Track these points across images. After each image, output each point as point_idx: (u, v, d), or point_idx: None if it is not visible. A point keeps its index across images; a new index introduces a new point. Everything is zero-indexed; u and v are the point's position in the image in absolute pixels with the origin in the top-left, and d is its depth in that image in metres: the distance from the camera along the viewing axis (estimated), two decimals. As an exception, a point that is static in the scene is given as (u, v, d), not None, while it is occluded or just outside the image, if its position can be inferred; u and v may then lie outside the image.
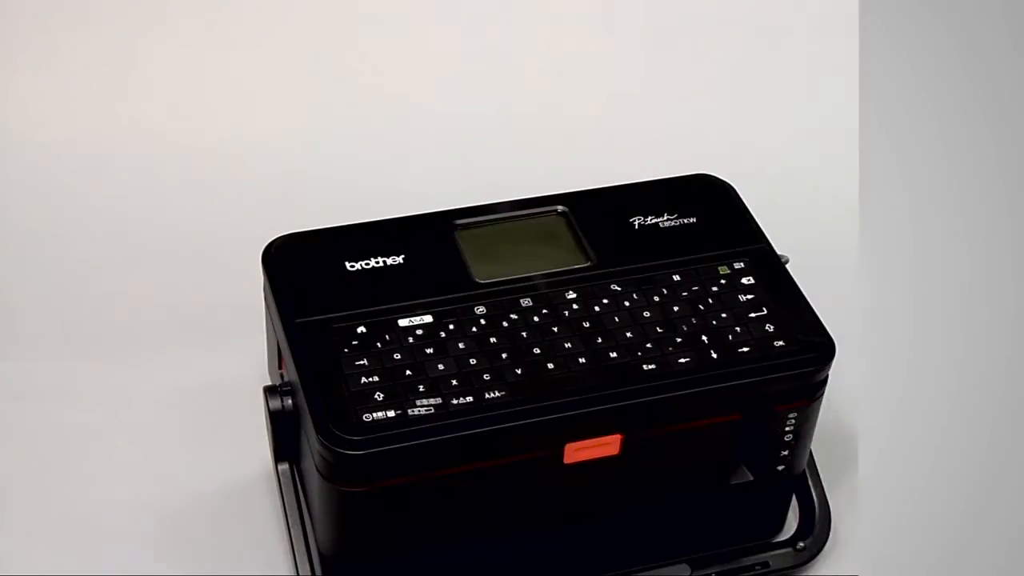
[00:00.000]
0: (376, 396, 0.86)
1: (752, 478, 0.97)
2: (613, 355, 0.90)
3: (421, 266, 0.95)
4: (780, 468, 0.97)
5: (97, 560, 1.00)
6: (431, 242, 0.97)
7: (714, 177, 1.05)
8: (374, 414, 0.85)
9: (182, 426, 1.10)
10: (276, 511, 1.02)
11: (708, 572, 1.00)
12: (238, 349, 1.12)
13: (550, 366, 0.89)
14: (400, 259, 0.95)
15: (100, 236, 1.24)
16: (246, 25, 1.37)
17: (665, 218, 1.00)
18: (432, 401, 0.86)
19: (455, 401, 0.86)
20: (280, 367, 0.97)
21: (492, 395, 0.87)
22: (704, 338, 0.91)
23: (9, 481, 1.06)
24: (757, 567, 1.00)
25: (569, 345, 0.90)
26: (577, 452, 0.89)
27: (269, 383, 0.96)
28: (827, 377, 0.94)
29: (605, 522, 0.96)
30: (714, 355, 0.91)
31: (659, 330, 0.92)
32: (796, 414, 0.94)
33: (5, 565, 0.99)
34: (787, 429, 0.95)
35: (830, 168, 1.35)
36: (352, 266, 0.95)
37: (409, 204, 1.03)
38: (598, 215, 1.00)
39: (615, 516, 0.96)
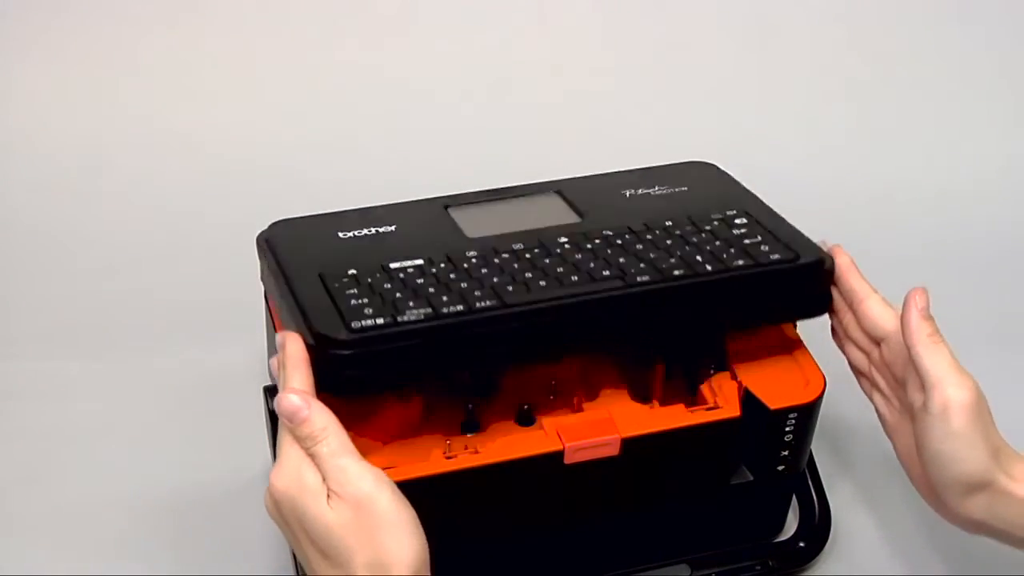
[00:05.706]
0: (367, 311, 0.84)
1: (752, 478, 0.96)
2: (605, 272, 0.89)
3: (413, 231, 0.95)
4: (780, 468, 0.96)
5: (97, 560, 0.98)
6: (423, 216, 0.98)
7: (705, 162, 1.06)
8: (363, 322, 0.83)
9: (182, 425, 1.10)
10: (277, 510, 1.00)
11: (708, 572, 0.98)
12: (238, 347, 1.13)
13: (542, 283, 0.88)
14: (392, 228, 0.96)
15: (99, 235, 1.27)
16: (244, 24, 1.42)
17: (656, 188, 1.01)
18: (423, 310, 0.85)
19: (446, 310, 0.85)
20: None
21: (483, 304, 0.85)
22: (698, 258, 0.90)
23: (9, 481, 1.05)
24: (757, 567, 0.99)
25: (561, 270, 0.89)
26: (577, 453, 0.88)
27: (269, 383, 0.95)
28: (830, 296, 0.92)
29: (605, 522, 0.94)
30: (709, 268, 0.89)
31: (652, 256, 0.90)
32: (796, 413, 0.93)
33: (5, 565, 0.98)
34: (787, 428, 0.93)
35: (829, 166, 1.36)
36: (344, 235, 0.95)
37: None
38: (590, 192, 1.01)
39: (615, 516, 0.94)
